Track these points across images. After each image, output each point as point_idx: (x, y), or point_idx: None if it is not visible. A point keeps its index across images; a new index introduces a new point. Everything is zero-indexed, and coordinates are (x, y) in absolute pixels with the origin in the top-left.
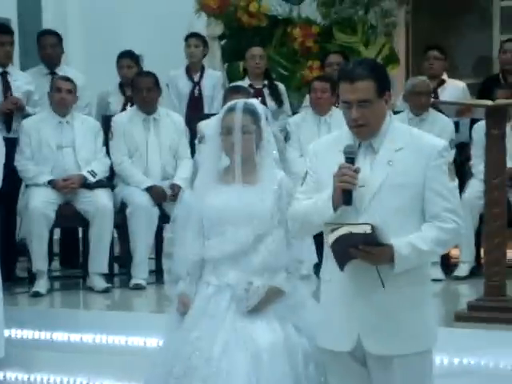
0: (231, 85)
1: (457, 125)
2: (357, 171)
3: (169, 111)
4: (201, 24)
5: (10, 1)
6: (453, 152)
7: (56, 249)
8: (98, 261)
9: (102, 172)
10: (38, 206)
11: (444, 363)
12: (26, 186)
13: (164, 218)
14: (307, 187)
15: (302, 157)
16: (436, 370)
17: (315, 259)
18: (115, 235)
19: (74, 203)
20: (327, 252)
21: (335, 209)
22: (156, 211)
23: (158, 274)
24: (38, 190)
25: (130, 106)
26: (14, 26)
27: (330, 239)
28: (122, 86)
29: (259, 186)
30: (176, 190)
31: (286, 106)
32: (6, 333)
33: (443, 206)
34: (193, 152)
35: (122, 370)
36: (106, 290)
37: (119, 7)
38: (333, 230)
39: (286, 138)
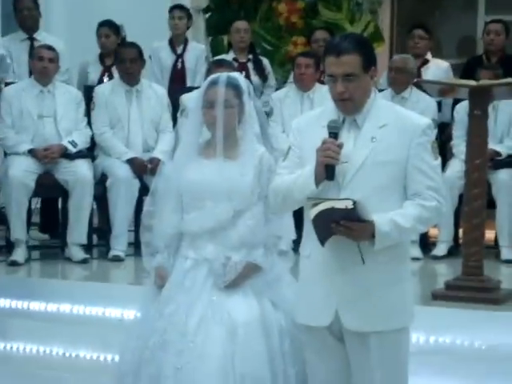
0: (215, 58)
1: (439, 104)
2: (340, 146)
3: (152, 83)
4: None
5: None
6: (435, 132)
7: (35, 218)
8: (77, 231)
9: (82, 142)
10: (18, 174)
11: (420, 341)
12: (6, 154)
13: (144, 191)
14: (290, 162)
15: (284, 132)
16: (412, 347)
17: (294, 235)
18: (94, 206)
19: (53, 173)
20: (308, 228)
21: (317, 184)
22: (136, 183)
23: (136, 246)
24: (18, 158)
25: (108, 76)
26: None
27: (311, 214)
28: (101, 56)
29: (240, 160)
30: (155, 163)
31: (271, 81)
32: None
33: (426, 184)
34: (175, 125)
35: (99, 341)
36: (84, 261)
37: None
38: (314, 205)
39: (269, 114)
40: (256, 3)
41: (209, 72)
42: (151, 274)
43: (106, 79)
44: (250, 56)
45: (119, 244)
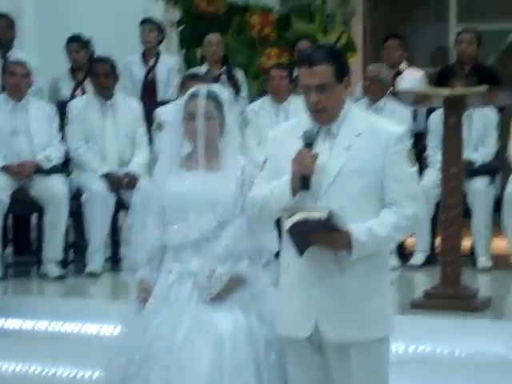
0: (188, 72)
1: (414, 114)
2: (315, 156)
3: (126, 97)
4: (159, 10)
5: None
6: (410, 141)
7: (9, 235)
8: (53, 247)
9: (57, 158)
10: None
11: (399, 351)
12: None
13: (120, 206)
14: (266, 173)
15: (259, 144)
16: (392, 357)
17: (277, 247)
18: (70, 222)
19: (28, 189)
20: (286, 239)
21: (293, 194)
22: (112, 198)
23: (113, 261)
24: None
25: (81, 90)
26: None
27: (286, 225)
28: (72, 71)
29: (222, 172)
30: (131, 177)
31: (243, 92)
32: None
33: (402, 192)
34: (150, 138)
35: (77, 358)
36: (60, 277)
37: None
38: (290, 216)
39: (243, 125)
40: (229, 16)
41: (182, 86)
42: (133, 289)
43: (78, 93)
44: (224, 68)
45: (95, 259)
